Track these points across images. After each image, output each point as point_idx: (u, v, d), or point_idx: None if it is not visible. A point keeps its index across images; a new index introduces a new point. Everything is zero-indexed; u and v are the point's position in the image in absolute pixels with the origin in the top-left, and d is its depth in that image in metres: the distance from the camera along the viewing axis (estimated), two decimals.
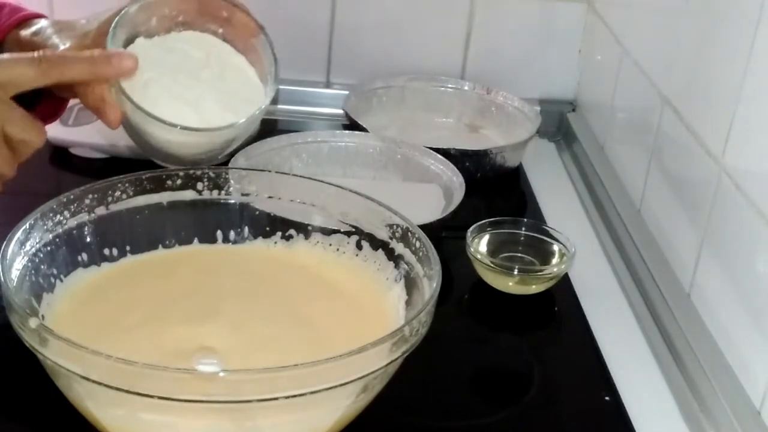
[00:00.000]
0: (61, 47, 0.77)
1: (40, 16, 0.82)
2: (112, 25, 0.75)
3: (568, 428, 0.77)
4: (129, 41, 0.78)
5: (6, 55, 0.73)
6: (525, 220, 0.97)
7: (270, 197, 0.81)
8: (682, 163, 0.92)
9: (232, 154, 1.01)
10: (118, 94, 0.75)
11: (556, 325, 0.92)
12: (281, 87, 1.26)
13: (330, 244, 0.80)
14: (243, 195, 0.81)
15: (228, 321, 0.72)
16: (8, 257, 0.65)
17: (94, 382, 0.57)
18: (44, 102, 0.89)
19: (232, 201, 0.81)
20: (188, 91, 0.78)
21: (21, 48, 0.79)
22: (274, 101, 1.25)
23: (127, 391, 0.56)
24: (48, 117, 0.91)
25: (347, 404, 0.62)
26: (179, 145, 0.78)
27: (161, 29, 0.80)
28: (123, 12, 0.77)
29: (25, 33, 0.80)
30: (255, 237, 0.82)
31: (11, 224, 0.68)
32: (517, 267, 0.90)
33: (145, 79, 0.76)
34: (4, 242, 0.66)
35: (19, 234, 0.68)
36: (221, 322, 0.71)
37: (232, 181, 0.80)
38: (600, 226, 1.06)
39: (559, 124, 1.30)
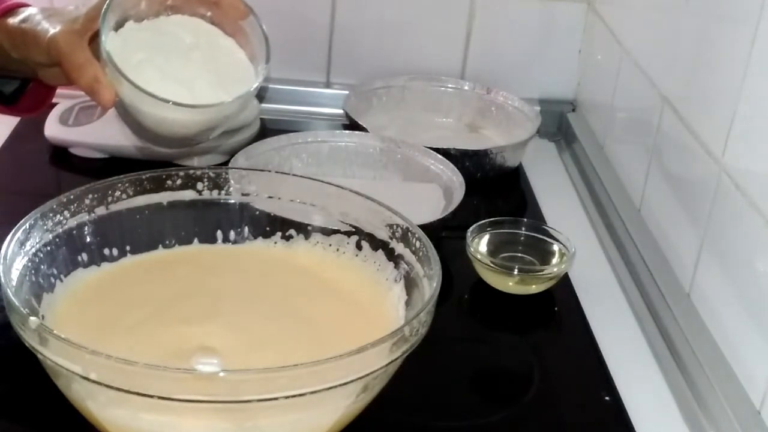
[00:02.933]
0: (51, 31, 0.77)
1: (24, 4, 0.83)
2: (103, 9, 0.76)
3: (568, 428, 0.77)
4: (119, 25, 0.78)
5: None
6: (525, 220, 0.97)
7: (270, 197, 0.81)
8: (682, 163, 0.92)
9: (231, 153, 1.01)
10: (113, 73, 0.75)
11: (556, 325, 0.92)
12: (281, 87, 1.27)
13: (330, 245, 0.80)
14: (243, 195, 0.81)
15: (228, 321, 0.72)
16: (8, 257, 0.65)
17: (94, 382, 0.57)
18: (30, 92, 0.89)
19: (232, 201, 0.81)
20: (180, 72, 0.78)
21: (10, 36, 0.80)
22: (268, 92, 1.26)
23: (127, 391, 0.56)
24: (34, 107, 0.91)
25: (347, 404, 0.62)
26: (172, 123, 0.78)
27: (150, 13, 0.80)
28: None
29: (13, 21, 0.80)
30: (255, 237, 0.82)
31: (11, 224, 0.68)
32: (517, 267, 0.90)
33: (137, 60, 0.76)
34: (4, 242, 0.66)
35: (19, 234, 0.68)
36: (221, 322, 0.71)
37: (232, 181, 0.80)
38: (600, 226, 1.06)
39: (559, 124, 1.30)
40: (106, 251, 0.76)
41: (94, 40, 0.77)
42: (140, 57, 0.77)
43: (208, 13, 0.82)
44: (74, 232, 0.74)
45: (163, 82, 0.76)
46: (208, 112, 0.78)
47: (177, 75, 0.78)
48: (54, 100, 0.95)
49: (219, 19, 0.82)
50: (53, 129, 1.10)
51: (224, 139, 1.08)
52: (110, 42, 0.76)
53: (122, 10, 0.79)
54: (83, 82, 0.76)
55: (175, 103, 0.75)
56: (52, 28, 0.78)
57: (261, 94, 1.25)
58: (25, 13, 0.81)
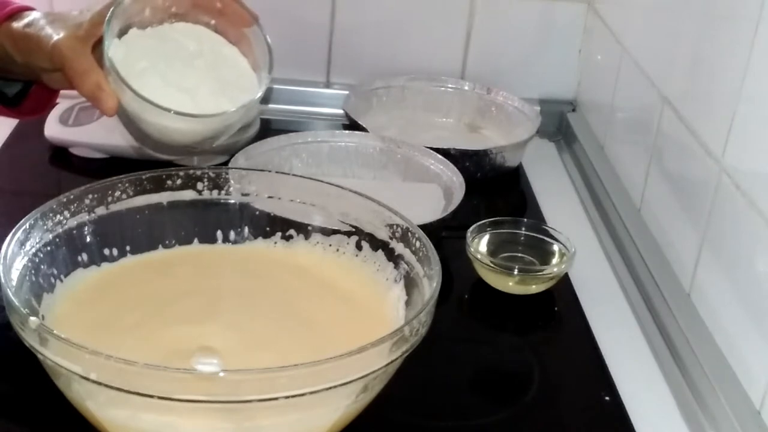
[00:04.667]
0: (55, 37, 0.77)
1: (29, 8, 0.83)
2: (107, 16, 0.76)
3: (568, 428, 0.77)
4: (122, 32, 0.78)
5: None
6: (525, 220, 0.97)
7: (270, 197, 0.81)
8: (682, 163, 0.92)
9: (231, 153, 1.01)
10: (116, 81, 0.75)
11: (556, 325, 0.92)
12: (281, 87, 1.27)
13: (330, 245, 0.80)
14: (243, 195, 0.81)
15: (228, 321, 0.72)
16: (8, 257, 0.65)
17: (94, 382, 0.57)
18: (33, 94, 0.89)
19: (232, 201, 0.81)
20: (183, 80, 0.78)
21: (14, 40, 0.80)
22: (268, 92, 1.26)
23: (127, 391, 0.56)
24: (37, 110, 0.91)
25: (347, 404, 0.62)
26: (174, 132, 0.78)
27: (154, 21, 0.80)
28: (117, 3, 0.77)
29: (17, 25, 0.80)
30: (255, 237, 0.82)
31: (11, 224, 0.68)
32: (517, 267, 0.90)
33: (141, 68, 0.76)
34: (4, 242, 0.66)
35: (19, 234, 0.68)
36: (221, 322, 0.71)
37: (232, 181, 0.80)
38: (600, 226, 1.06)
39: (559, 124, 1.30)
40: (106, 251, 0.76)
41: (98, 46, 0.77)
42: (143, 65, 0.77)
43: (212, 22, 0.82)
44: (74, 232, 0.74)
45: (165, 90, 0.76)
46: (210, 122, 0.78)
47: (180, 83, 0.78)
48: None
49: (223, 28, 0.82)
50: (53, 129, 1.10)
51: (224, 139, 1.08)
52: (114, 49, 0.76)
53: (126, 17, 0.78)
54: (86, 89, 0.76)
55: (177, 113, 0.75)
56: (55, 34, 0.78)
57: None
58: (29, 17, 0.81)
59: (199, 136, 0.80)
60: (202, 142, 0.81)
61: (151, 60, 0.78)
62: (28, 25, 0.80)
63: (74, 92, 0.83)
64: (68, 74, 0.77)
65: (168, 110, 0.75)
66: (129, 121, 0.79)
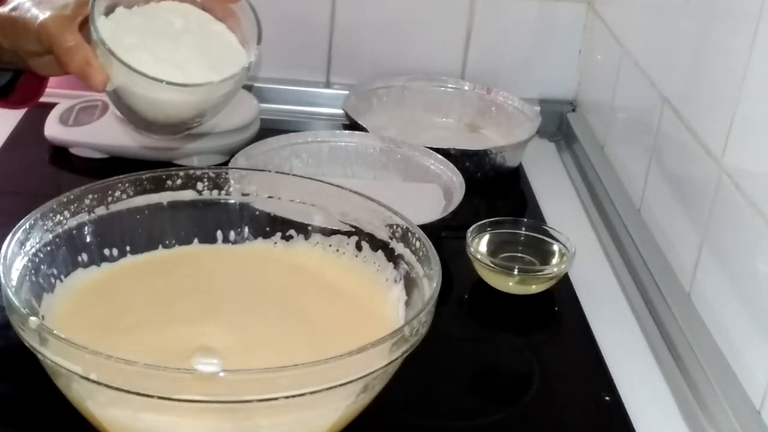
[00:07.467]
0: (41, 17, 0.77)
1: None
2: None
3: (568, 428, 0.77)
4: (109, 11, 0.78)
5: None
6: (525, 220, 0.97)
7: (270, 197, 0.81)
8: (682, 163, 0.92)
9: (231, 153, 1.01)
10: (105, 55, 0.75)
11: (556, 325, 0.92)
12: (281, 87, 1.27)
13: (330, 245, 0.80)
14: (243, 195, 0.81)
15: (228, 321, 0.72)
16: (8, 257, 0.65)
17: (94, 382, 0.57)
18: (22, 84, 0.89)
19: (232, 201, 0.81)
20: (172, 55, 0.78)
21: (0, 26, 0.80)
22: (269, 92, 1.26)
23: (127, 391, 0.56)
24: (26, 100, 0.91)
25: (347, 404, 0.62)
26: (164, 104, 0.77)
27: None
28: None
29: (3, 11, 0.80)
30: (255, 237, 0.82)
31: (11, 224, 0.68)
32: (517, 267, 0.90)
33: (129, 44, 0.76)
34: (4, 242, 0.66)
35: (19, 234, 0.68)
36: (221, 322, 0.71)
37: (232, 181, 0.80)
38: (600, 226, 1.06)
39: (559, 124, 1.30)
40: (106, 251, 0.76)
41: (84, 26, 0.76)
42: (132, 41, 0.77)
43: None
44: (74, 232, 0.74)
45: (155, 64, 0.76)
46: (200, 92, 0.78)
47: (169, 57, 0.77)
48: (54, 100, 0.95)
49: (209, 5, 0.82)
50: (53, 129, 1.10)
51: (224, 139, 1.08)
52: (101, 26, 0.76)
53: None
54: (74, 65, 0.75)
55: (168, 83, 0.74)
56: (41, 14, 0.77)
57: (261, 95, 1.25)
58: (14, 2, 0.81)
59: (190, 108, 0.79)
60: (193, 117, 0.80)
61: (139, 36, 0.77)
62: (14, 9, 0.80)
63: (74, 91, 0.83)
64: (56, 52, 0.76)
65: (159, 80, 0.74)
66: (119, 100, 0.79)
